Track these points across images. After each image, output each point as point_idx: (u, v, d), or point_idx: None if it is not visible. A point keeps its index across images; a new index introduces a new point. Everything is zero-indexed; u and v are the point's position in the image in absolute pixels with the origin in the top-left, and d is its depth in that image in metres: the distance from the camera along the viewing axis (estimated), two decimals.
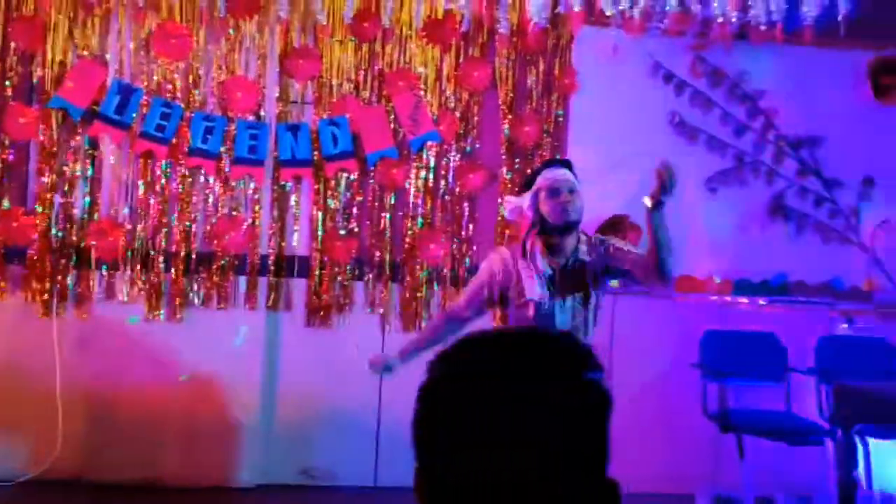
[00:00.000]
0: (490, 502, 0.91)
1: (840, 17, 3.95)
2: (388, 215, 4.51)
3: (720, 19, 4.14)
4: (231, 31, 4.37)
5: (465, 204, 4.58)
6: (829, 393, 4.15)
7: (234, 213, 4.37)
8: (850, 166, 4.71)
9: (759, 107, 4.67)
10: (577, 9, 3.98)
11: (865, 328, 4.71)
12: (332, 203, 4.47)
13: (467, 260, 4.58)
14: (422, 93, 4.49)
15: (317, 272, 4.45)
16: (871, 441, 4.11)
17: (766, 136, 4.68)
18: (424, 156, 4.55)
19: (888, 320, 4.75)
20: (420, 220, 4.54)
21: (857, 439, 4.04)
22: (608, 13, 4.15)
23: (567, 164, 2.98)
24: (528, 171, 4.58)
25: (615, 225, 4.58)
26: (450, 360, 1.00)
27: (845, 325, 4.71)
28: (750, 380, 4.50)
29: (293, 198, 4.47)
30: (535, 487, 0.89)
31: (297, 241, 4.48)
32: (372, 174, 4.49)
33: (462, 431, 0.92)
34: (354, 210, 4.50)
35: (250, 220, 4.39)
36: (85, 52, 4.28)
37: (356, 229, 4.49)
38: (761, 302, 4.67)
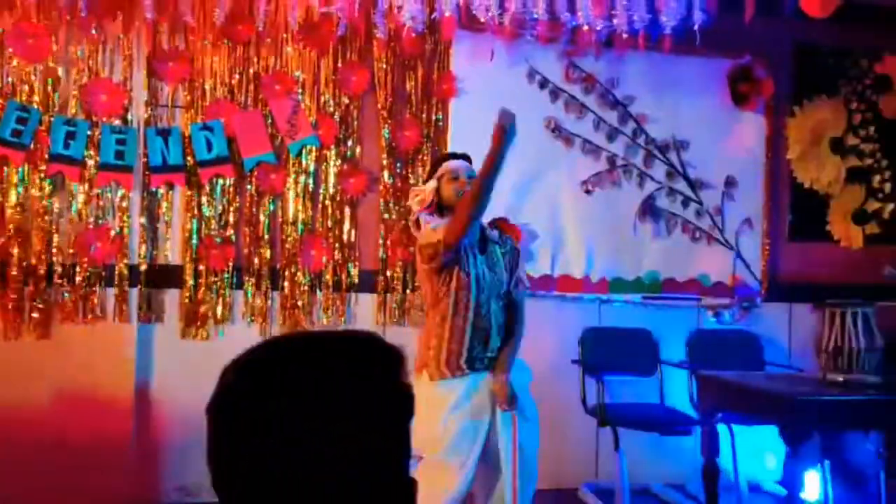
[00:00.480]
0: None
1: (696, 27, 3.67)
2: (266, 221, 3.97)
3: (585, 27, 3.78)
4: (94, 31, 3.73)
5: (347, 209, 4.09)
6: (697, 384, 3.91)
7: (100, 221, 3.75)
8: (713, 168, 4.50)
9: (630, 112, 4.39)
10: (447, 14, 3.55)
11: (731, 321, 4.50)
12: (206, 210, 3.90)
13: (350, 266, 4.09)
14: (299, 97, 3.98)
15: (191, 282, 3.86)
16: (737, 428, 3.93)
17: (637, 140, 4.40)
18: (304, 161, 4.03)
19: (751, 313, 4.55)
20: (301, 225, 4.02)
21: (725, 427, 3.84)
22: (481, 19, 3.74)
23: (467, 158, 3.01)
24: (409, 174, 4.17)
25: (495, 228, 4.19)
26: (245, 369, 0.87)
27: (713, 319, 4.49)
28: (626, 374, 4.25)
29: (165, 205, 3.87)
30: (334, 492, 0.82)
31: (170, 250, 3.88)
32: (249, 179, 3.95)
33: (260, 445, 0.82)
34: (231, 217, 3.94)
35: (118, 229, 3.76)
36: None
37: (233, 237, 3.94)
38: (635, 299, 4.38)
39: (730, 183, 4.56)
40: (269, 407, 0.83)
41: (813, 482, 3.80)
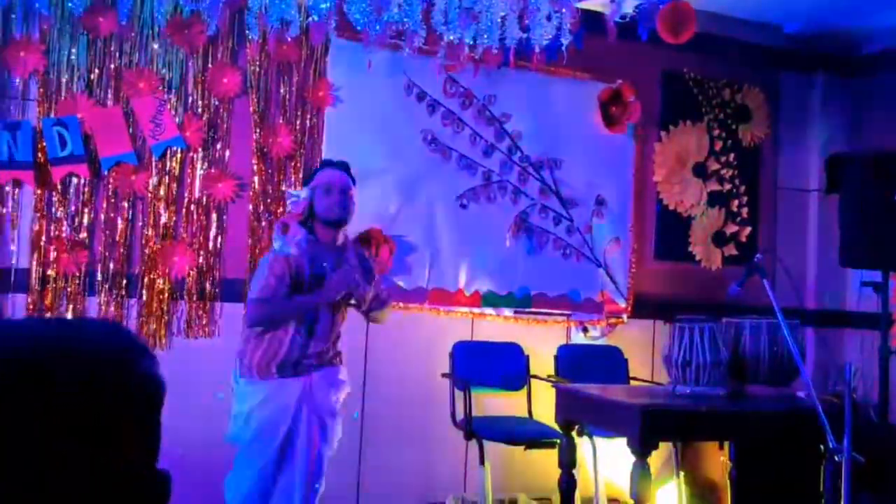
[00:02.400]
0: None
1: (563, 49, 3.72)
2: (124, 225, 3.73)
3: (454, 41, 3.76)
4: None
5: (213, 214, 3.89)
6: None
7: None
8: (584, 187, 4.57)
9: (506, 129, 4.40)
10: (317, 18, 3.45)
11: (599, 336, 4.57)
12: (58, 211, 3.62)
13: (216, 273, 3.90)
14: (165, 96, 3.76)
15: (38, 287, 3.57)
16: (599, 441, 3.97)
17: (512, 157, 4.42)
18: (168, 163, 3.81)
19: (617, 328, 4.64)
20: (163, 230, 3.79)
21: (586, 440, 3.89)
22: (357, 28, 3.66)
23: (345, 167, 3.08)
24: (280, 181, 4.02)
25: (368, 238, 4.12)
26: None
27: (581, 334, 4.54)
28: (496, 388, 4.24)
29: (11, 203, 3.57)
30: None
31: (16, 252, 3.58)
32: (106, 180, 3.70)
33: None
34: (85, 219, 3.68)
35: None
36: None
37: (87, 240, 3.67)
38: (507, 313, 4.38)
39: (600, 202, 4.64)
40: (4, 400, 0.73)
41: (667, 495, 3.88)
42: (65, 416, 0.74)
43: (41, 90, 3.66)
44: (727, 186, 4.97)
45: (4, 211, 3.61)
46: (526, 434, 3.95)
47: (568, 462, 3.23)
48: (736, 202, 4.98)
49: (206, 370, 3.68)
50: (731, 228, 4.96)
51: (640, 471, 2.79)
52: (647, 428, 2.74)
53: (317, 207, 2.88)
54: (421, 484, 4.28)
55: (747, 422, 3.00)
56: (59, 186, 3.67)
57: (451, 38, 3.68)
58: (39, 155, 3.62)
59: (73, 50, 3.69)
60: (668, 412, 2.87)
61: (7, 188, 3.61)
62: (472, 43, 3.78)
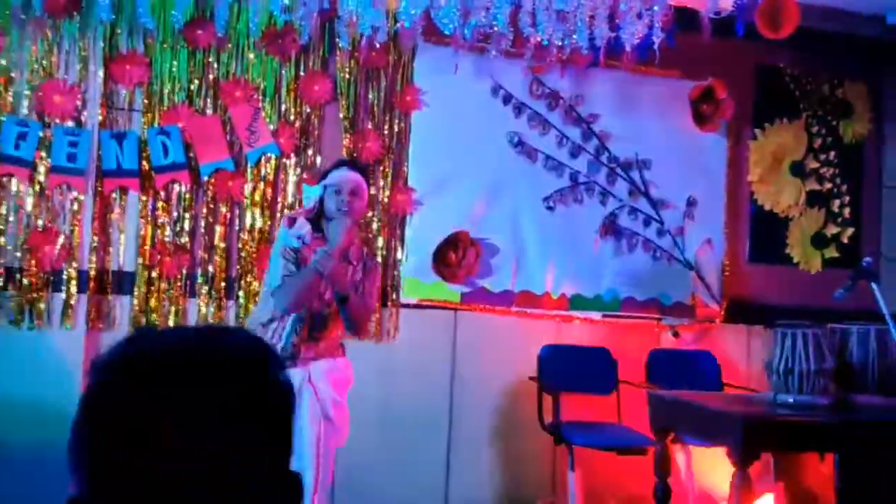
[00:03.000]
0: None
1: (655, 47, 3.63)
2: (222, 230, 3.86)
3: (545, 42, 3.72)
4: (49, 31, 3.61)
5: None
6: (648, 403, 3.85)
7: (49, 225, 3.61)
8: (675, 188, 4.44)
9: (593, 130, 4.34)
10: (408, 25, 3.47)
11: (691, 341, 4.45)
12: (161, 216, 3.78)
13: None
14: (260, 104, 3.88)
15: (143, 289, 3.73)
16: (693, 449, 3.87)
17: (600, 158, 4.34)
18: (263, 169, 3.93)
19: (710, 333, 4.50)
20: (258, 234, 3.91)
21: (679, 447, 3.79)
22: (445, 32, 3.67)
23: (357, 167, 3.05)
24: (369, 186, 4.07)
25: (456, 242, 4.13)
26: (117, 362, 0.80)
27: (672, 339, 4.42)
28: (584, 393, 4.17)
29: (118, 210, 3.74)
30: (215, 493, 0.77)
31: (122, 256, 3.75)
32: (205, 186, 3.83)
33: (132, 442, 0.75)
34: (186, 224, 3.82)
35: (69, 233, 3.63)
36: None
37: (188, 244, 3.81)
38: (594, 317, 4.31)
39: (691, 203, 4.51)
40: (145, 407, 0.76)
41: None
42: (214, 420, 0.76)
43: (145, 101, 3.83)
44: (827, 186, 4.74)
45: (112, 217, 3.79)
46: (617, 440, 3.88)
47: (663, 470, 3.14)
48: (837, 202, 4.75)
49: None
50: (832, 229, 4.73)
51: (742, 482, 2.69)
52: (748, 438, 2.63)
53: (326, 206, 2.86)
54: (508, 488, 4.26)
55: (855, 433, 2.85)
56: (161, 193, 3.83)
57: (539, 39, 3.65)
58: (144, 163, 3.79)
59: (175, 62, 3.85)
60: (770, 422, 2.75)
61: (114, 195, 3.79)
62: (560, 44, 3.74)
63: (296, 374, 2.78)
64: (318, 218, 2.86)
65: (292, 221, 2.89)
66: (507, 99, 4.29)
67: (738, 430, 2.65)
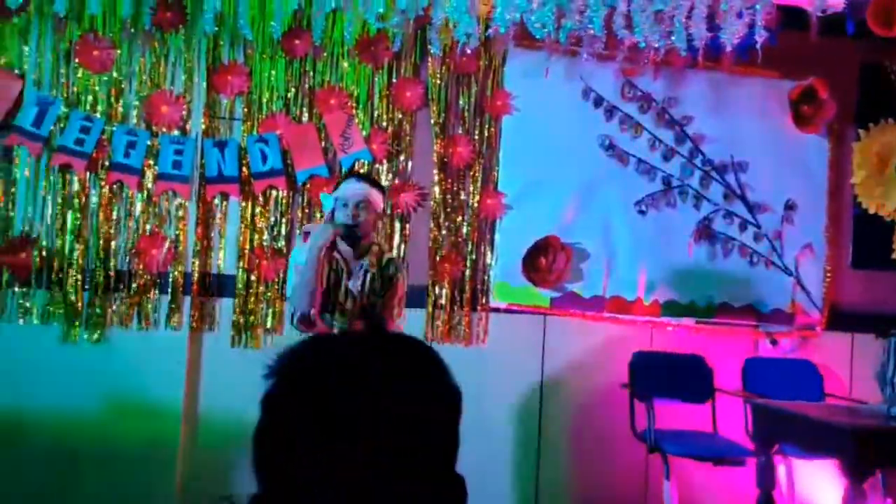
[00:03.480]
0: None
1: (758, 46, 3.51)
2: None
3: (641, 44, 3.66)
4: (157, 43, 3.77)
5: (397, 223, 4.03)
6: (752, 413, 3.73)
7: (156, 230, 3.76)
8: (773, 191, 4.30)
9: (687, 132, 4.24)
10: (503, 30, 3.47)
11: (790, 350, 4.29)
12: (259, 221, 3.88)
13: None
14: (353, 111, 3.94)
15: (242, 291, 3.84)
16: (795, 461, 3.73)
17: (693, 160, 4.24)
18: None
19: (810, 341, 4.33)
20: None
21: (780, 459, 3.65)
22: (538, 36, 3.65)
23: (369, 179, 3.16)
24: (459, 190, 4.11)
25: (546, 246, 4.10)
26: (294, 364, 0.84)
27: (770, 347, 4.28)
28: (677, 400, 4.08)
29: (219, 215, 3.86)
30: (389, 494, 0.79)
31: (223, 260, 3.87)
32: (302, 192, 3.92)
33: (310, 443, 0.79)
34: (283, 228, 3.92)
35: (174, 237, 3.77)
36: (1, 62, 3.64)
37: (284, 248, 3.91)
38: (688, 323, 4.21)
39: (790, 207, 4.35)
40: (323, 413, 0.79)
41: None
42: (389, 424, 0.78)
43: (245, 110, 3.94)
44: None
45: (214, 222, 3.92)
46: (714, 450, 3.78)
47: (767, 483, 3.04)
48: None
49: None
50: None
51: (855, 497, 2.58)
52: (863, 451, 2.53)
53: (336, 218, 2.92)
54: (598, 496, 4.20)
55: None
56: (260, 198, 3.94)
57: (634, 41, 3.59)
58: (243, 169, 3.90)
59: (273, 71, 3.95)
60: (886, 435, 2.63)
61: (216, 201, 3.92)
62: (655, 46, 3.67)
63: None
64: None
65: (307, 236, 2.95)
66: (599, 102, 4.23)
67: (852, 444, 2.55)
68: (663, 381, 4.05)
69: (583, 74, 4.17)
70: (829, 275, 4.38)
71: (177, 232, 3.85)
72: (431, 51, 4.00)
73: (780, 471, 3.80)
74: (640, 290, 4.23)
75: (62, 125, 3.71)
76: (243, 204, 3.92)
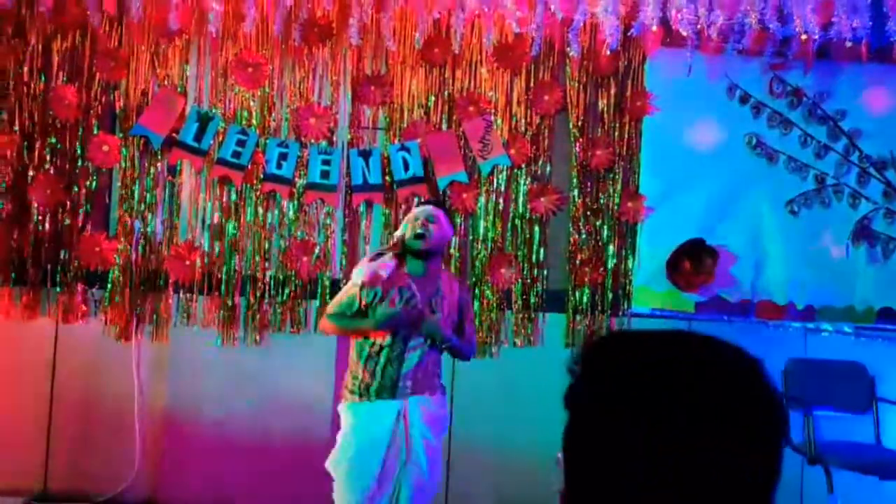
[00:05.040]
0: None
1: None
2: (457, 239, 3.97)
3: (803, 37, 3.49)
4: (305, 58, 3.91)
5: (536, 227, 4.01)
6: None
7: (307, 237, 3.90)
8: None
9: (841, 127, 4.00)
10: (654, 28, 3.39)
11: None
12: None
13: (538, 285, 4.00)
14: (492, 117, 3.96)
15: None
16: None
17: (849, 157, 4.00)
18: (495, 179, 4.00)
19: None
20: (490, 243, 3.98)
21: None
22: (684, 33, 3.55)
23: (438, 204, 3.17)
24: (600, 194, 4.04)
25: (691, 249, 3.97)
26: (603, 361, 0.80)
27: None
28: (836, 410, 3.85)
29: (364, 222, 3.96)
30: None
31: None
32: (443, 198, 3.97)
33: (617, 447, 0.75)
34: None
35: (322, 245, 3.90)
36: (165, 82, 3.88)
37: None
38: (846, 329, 3.97)
39: None
40: (633, 415, 0.76)
41: None
42: (706, 432, 0.75)
43: (387, 119, 4.03)
44: None
45: (360, 229, 4.02)
46: (882, 462, 3.54)
47: None
48: None
49: (532, 377, 3.79)
50: None
51: None
52: None
53: (406, 236, 2.92)
54: None
55: None
56: (403, 206, 4.01)
57: (797, 30, 3.42)
58: (387, 178, 3.98)
59: (414, 80, 4.02)
60: None
61: (361, 208, 4.02)
62: (811, 37, 3.49)
63: (392, 407, 2.83)
64: (403, 254, 2.92)
65: (377, 256, 2.95)
66: (745, 99, 4.07)
67: None
68: (820, 390, 3.84)
69: (728, 71, 4.02)
70: None
71: (326, 238, 3.97)
72: (570, 53, 3.96)
73: None
74: (792, 293, 4.03)
75: (220, 139, 3.90)
76: (387, 211, 4.00)
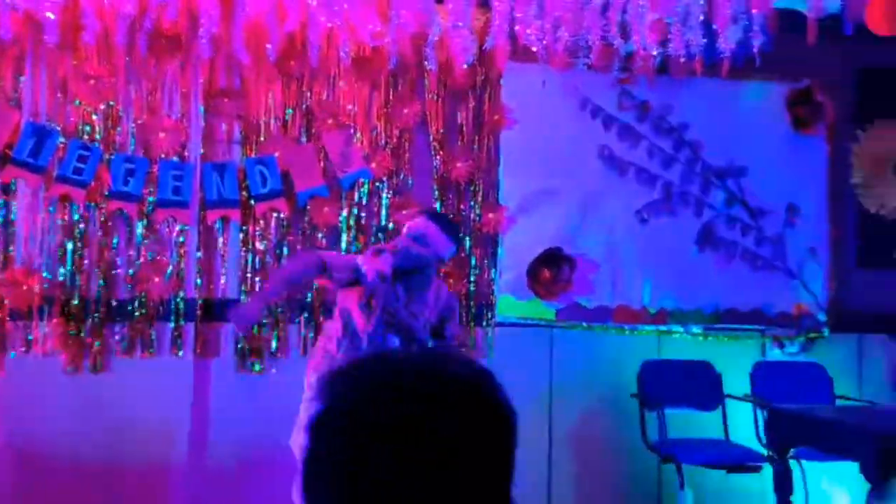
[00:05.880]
0: None
1: (756, 51, 3.50)
2: None
3: (643, 53, 3.65)
4: (153, 70, 3.74)
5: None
6: (764, 418, 3.68)
7: (158, 256, 3.72)
8: (773, 195, 4.29)
9: (685, 139, 4.22)
10: (499, 44, 3.46)
11: (797, 352, 4.26)
12: (261, 244, 3.85)
13: None
14: (351, 130, 3.92)
15: None
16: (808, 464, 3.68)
17: (693, 167, 4.23)
18: (356, 194, 3.96)
19: (817, 344, 4.30)
20: None
21: (795, 463, 3.59)
22: (533, 49, 3.64)
23: (435, 216, 3.15)
24: (461, 207, 4.08)
25: (550, 258, 4.07)
26: (347, 387, 0.80)
27: (777, 351, 4.24)
28: (687, 408, 4.04)
29: (220, 239, 3.83)
30: None
31: (226, 284, 3.83)
32: (303, 213, 3.89)
33: (360, 471, 0.75)
34: (285, 250, 3.88)
35: (175, 264, 3.73)
36: None
37: None
38: (695, 330, 4.18)
39: (792, 210, 4.33)
40: (368, 438, 0.76)
41: None
42: (438, 449, 0.74)
43: (243, 133, 3.92)
44: None
45: (216, 247, 3.88)
46: (728, 457, 3.74)
47: (785, 489, 3.00)
48: None
49: None
50: None
51: (878, 499, 2.54)
52: (886, 453, 2.49)
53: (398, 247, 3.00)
54: None
55: None
56: (261, 221, 3.90)
57: (631, 50, 3.58)
58: (243, 193, 3.87)
59: (270, 93, 3.93)
60: None
61: (217, 225, 3.88)
62: (653, 53, 3.66)
63: None
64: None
65: (377, 253, 2.96)
66: (596, 112, 4.22)
67: (875, 446, 2.51)
68: (673, 390, 4.02)
69: (579, 85, 4.16)
70: (833, 276, 4.36)
71: (178, 258, 3.81)
72: (428, 67, 3.98)
73: (796, 476, 3.76)
74: (646, 298, 4.20)
75: (61, 156, 3.67)
76: (244, 227, 3.89)
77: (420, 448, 0.74)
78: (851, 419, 2.79)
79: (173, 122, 3.81)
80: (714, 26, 3.44)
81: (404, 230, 3.03)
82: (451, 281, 4.04)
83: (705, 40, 3.66)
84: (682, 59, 3.58)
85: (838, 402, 4.05)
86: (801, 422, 2.94)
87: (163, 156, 3.78)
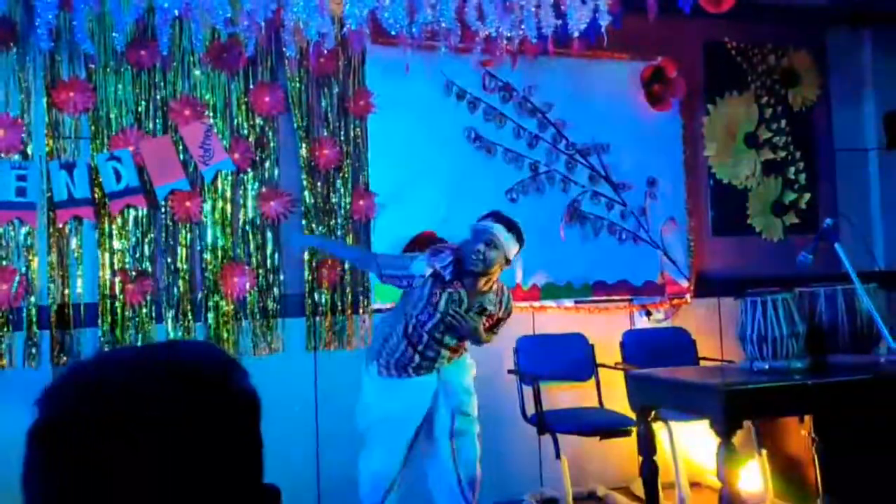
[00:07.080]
0: None
1: (603, 30, 3.61)
2: (184, 251, 3.76)
3: (503, 34, 3.70)
4: None
5: (269, 232, 3.91)
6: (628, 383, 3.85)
7: (4, 263, 3.49)
8: (634, 170, 4.46)
9: (548, 119, 4.32)
10: (354, 27, 3.42)
11: (663, 319, 4.46)
12: (119, 243, 3.67)
13: (275, 290, 3.91)
14: (211, 121, 3.79)
15: (108, 319, 3.62)
16: (674, 425, 3.87)
17: (558, 146, 4.33)
18: (220, 186, 3.84)
19: (682, 309, 4.52)
20: (220, 252, 3.82)
21: (662, 425, 3.78)
22: (392, 32, 3.62)
23: (504, 221, 3.07)
24: (330, 193, 4.01)
25: (422, 242, 4.07)
26: (65, 392, 0.75)
27: (645, 319, 4.43)
28: (563, 380, 4.16)
29: (74, 241, 3.62)
30: None
31: (82, 288, 3.64)
32: (163, 209, 3.74)
33: (86, 472, 0.69)
34: (146, 248, 3.72)
35: (24, 270, 3.51)
36: None
37: (149, 269, 3.71)
38: (567, 304, 4.30)
39: (651, 183, 4.52)
40: (96, 435, 0.71)
41: (750, 473, 3.76)
42: (167, 438, 0.71)
43: (93, 127, 3.72)
44: (781, 154, 4.80)
45: (69, 249, 3.67)
46: (600, 424, 3.87)
47: (648, 449, 3.13)
48: (792, 169, 4.80)
49: (276, 386, 3.68)
50: (790, 197, 4.79)
51: (727, 452, 2.68)
52: (729, 407, 2.63)
53: (465, 250, 3.00)
54: (496, 482, 4.20)
55: (832, 393, 2.87)
56: (118, 219, 3.72)
57: (488, 32, 3.62)
58: (96, 191, 3.68)
59: (119, 85, 3.74)
60: (749, 390, 2.75)
61: (69, 226, 3.67)
62: (508, 35, 3.71)
63: (430, 379, 3.07)
64: (461, 259, 2.98)
65: (436, 252, 3.00)
66: (461, 95, 4.25)
67: (719, 401, 2.65)
68: (548, 363, 4.12)
69: (443, 69, 4.17)
70: (692, 244, 4.59)
71: (27, 263, 3.58)
72: (287, 54, 3.89)
73: (663, 436, 3.94)
74: (519, 275, 4.29)
75: None
76: (100, 226, 3.70)
77: (156, 445, 0.71)
78: (700, 378, 2.94)
79: (12, 118, 3.57)
80: (563, 8, 3.51)
81: (474, 236, 3.01)
82: (323, 271, 4.00)
83: (558, 21, 3.74)
84: (535, 40, 3.64)
85: (701, 363, 4.27)
86: (657, 384, 3.07)
87: (2, 154, 3.54)
